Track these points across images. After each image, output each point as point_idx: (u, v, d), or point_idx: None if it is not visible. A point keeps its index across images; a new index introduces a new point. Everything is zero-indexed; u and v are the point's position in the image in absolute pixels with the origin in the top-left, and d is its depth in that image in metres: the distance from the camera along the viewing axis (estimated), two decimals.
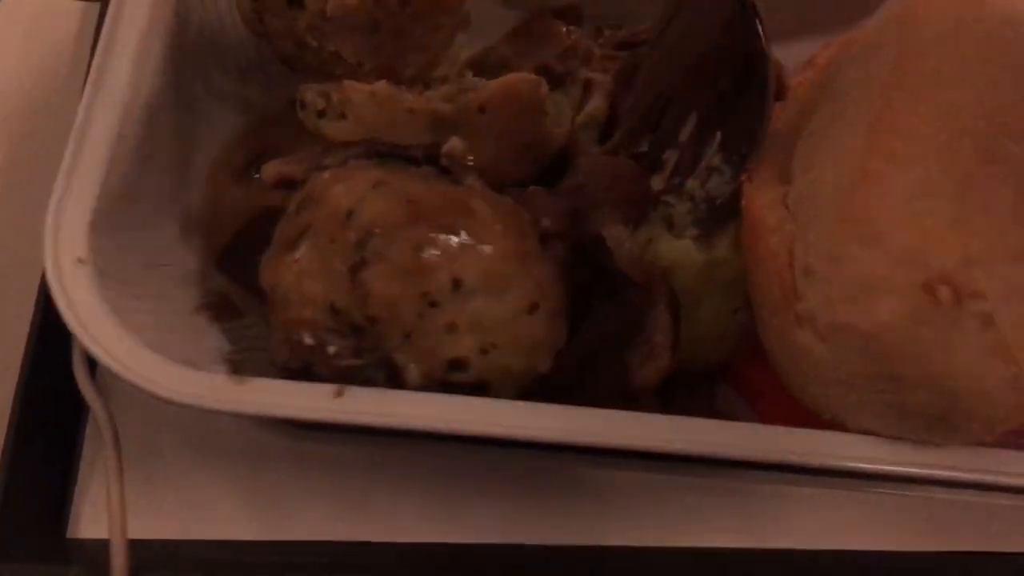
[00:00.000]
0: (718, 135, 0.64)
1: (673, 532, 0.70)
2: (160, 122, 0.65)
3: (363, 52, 0.68)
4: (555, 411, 0.54)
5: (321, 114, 0.66)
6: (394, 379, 0.56)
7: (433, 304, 0.54)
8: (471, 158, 0.61)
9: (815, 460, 0.54)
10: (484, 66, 0.80)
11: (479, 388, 0.56)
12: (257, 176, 0.72)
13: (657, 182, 0.65)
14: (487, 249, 0.55)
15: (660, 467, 0.68)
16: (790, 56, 0.76)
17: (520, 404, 0.55)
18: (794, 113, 0.64)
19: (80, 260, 0.55)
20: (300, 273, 0.57)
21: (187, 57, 0.71)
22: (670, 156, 0.65)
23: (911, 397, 0.50)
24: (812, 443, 0.54)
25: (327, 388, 0.54)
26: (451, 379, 0.56)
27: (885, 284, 0.49)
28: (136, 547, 0.61)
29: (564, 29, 0.80)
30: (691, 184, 0.64)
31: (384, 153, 0.60)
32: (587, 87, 0.72)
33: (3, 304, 0.74)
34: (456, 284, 0.54)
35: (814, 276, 0.53)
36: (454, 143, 0.61)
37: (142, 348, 0.54)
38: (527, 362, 0.56)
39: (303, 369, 0.57)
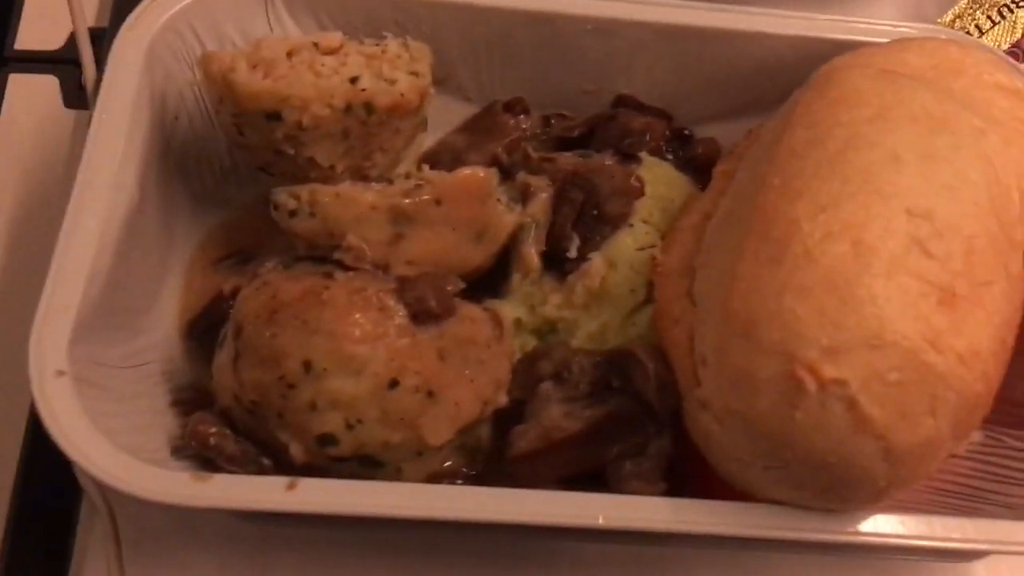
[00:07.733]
0: None
1: None
2: (141, 224, 0.71)
3: (335, 156, 0.75)
4: (473, 493, 0.61)
5: (292, 214, 0.72)
6: (284, 456, 0.63)
7: (291, 386, 0.62)
8: (368, 250, 0.69)
9: (725, 530, 0.59)
10: (438, 159, 0.85)
11: (369, 462, 0.63)
12: (232, 265, 0.80)
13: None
14: (336, 333, 0.61)
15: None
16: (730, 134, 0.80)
17: (442, 489, 0.62)
18: (708, 203, 0.69)
19: (60, 372, 0.61)
20: (218, 368, 0.66)
21: (168, 165, 0.78)
22: None
23: (797, 473, 0.55)
24: (721, 513, 0.59)
25: (280, 481, 0.60)
26: (329, 453, 0.62)
27: (761, 374, 0.54)
28: None
29: (511, 121, 0.87)
30: None
31: (302, 257, 0.68)
32: (525, 191, 0.77)
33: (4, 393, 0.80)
34: (307, 367, 0.61)
35: (706, 366, 0.58)
36: (349, 240, 0.69)
37: (116, 451, 0.60)
38: (409, 436, 0.63)
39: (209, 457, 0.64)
